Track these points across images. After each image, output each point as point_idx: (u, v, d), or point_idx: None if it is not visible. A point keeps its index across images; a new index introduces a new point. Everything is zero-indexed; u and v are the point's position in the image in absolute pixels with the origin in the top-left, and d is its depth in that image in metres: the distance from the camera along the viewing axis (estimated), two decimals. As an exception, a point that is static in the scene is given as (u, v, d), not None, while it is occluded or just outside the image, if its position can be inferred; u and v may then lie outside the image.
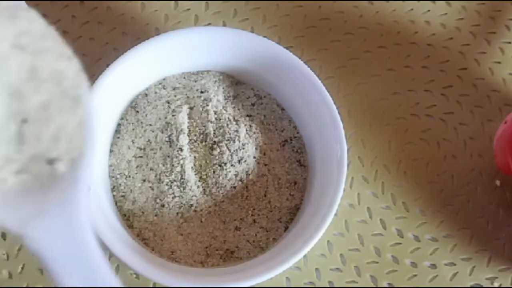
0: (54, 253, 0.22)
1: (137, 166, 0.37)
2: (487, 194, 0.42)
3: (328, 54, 0.44)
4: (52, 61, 0.25)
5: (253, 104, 0.39)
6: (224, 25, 0.44)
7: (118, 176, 0.37)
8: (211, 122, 0.37)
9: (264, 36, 0.39)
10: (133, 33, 0.44)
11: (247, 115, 0.38)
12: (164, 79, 0.39)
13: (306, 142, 0.39)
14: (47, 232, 0.22)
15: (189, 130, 0.37)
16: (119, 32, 0.44)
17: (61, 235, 0.23)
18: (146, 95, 0.39)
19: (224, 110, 0.38)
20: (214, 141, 0.37)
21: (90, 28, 0.44)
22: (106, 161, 0.38)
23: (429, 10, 0.46)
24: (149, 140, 0.37)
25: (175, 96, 0.38)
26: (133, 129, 0.38)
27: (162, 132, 0.37)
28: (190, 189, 0.36)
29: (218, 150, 0.36)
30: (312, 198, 0.37)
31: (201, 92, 0.38)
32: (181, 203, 0.36)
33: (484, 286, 0.40)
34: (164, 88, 0.39)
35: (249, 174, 0.37)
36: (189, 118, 0.37)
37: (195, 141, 0.37)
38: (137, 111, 0.38)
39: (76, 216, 0.23)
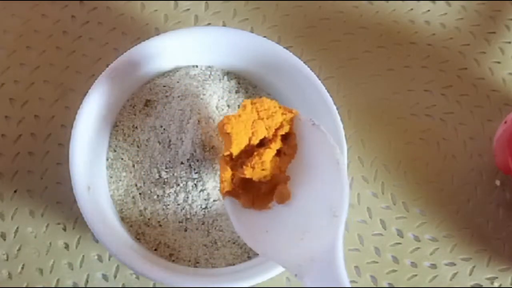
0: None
1: (137, 167, 0.37)
2: (487, 194, 0.42)
3: (328, 54, 0.44)
4: None
5: (253, 104, 0.39)
6: (224, 25, 0.44)
7: (117, 176, 0.37)
8: (211, 121, 0.37)
9: (264, 36, 0.39)
10: (133, 33, 0.44)
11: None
12: (164, 79, 0.39)
13: (306, 142, 0.39)
14: (316, 274, 0.30)
15: (189, 130, 0.37)
16: (119, 32, 0.44)
17: (325, 275, 0.29)
18: (146, 94, 0.39)
19: (224, 109, 0.38)
20: (214, 141, 0.37)
21: (90, 28, 0.44)
22: (104, 162, 0.38)
23: (429, 10, 0.46)
24: (148, 139, 0.37)
25: (174, 96, 0.38)
26: (133, 130, 0.38)
27: (162, 132, 0.37)
28: (190, 189, 0.36)
29: (218, 149, 0.36)
30: (312, 198, 0.37)
31: (201, 91, 0.38)
32: (181, 203, 0.36)
33: (484, 286, 0.40)
34: (164, 88, 0.39)
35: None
36: (189, 117, 0.37)
37: (195, 140, 0.37)
38: (137, 111, 0.38)
39: (336, 261, 0.29)
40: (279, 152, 0.34)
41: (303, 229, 0.31)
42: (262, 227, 0.33)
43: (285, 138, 0.34)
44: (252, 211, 0.33)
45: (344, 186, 0.31)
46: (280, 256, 0.32)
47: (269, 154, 0.33)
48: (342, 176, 0.32)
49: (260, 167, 0.33)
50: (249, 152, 0.34)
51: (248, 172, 0.33)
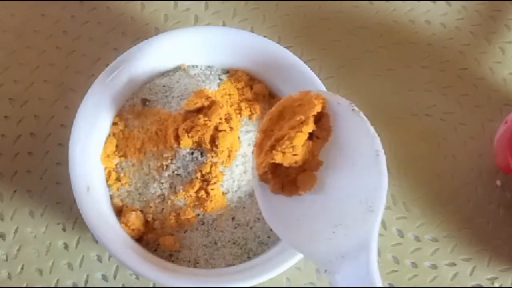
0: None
1: (136, 167, 0.37)
2: (487, 194, 0.42)
3: (328, 54, 0.44)
4: None
5: (253, 104, 0.39)
6: (224, 25, 0.44)
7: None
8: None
9: (264, 36, 0.39)
10: (132, 33, 0.44)
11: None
12: (163, 79, 0.39)
13: (306, 142, 0.39)
14: (347, 273, 0.28)
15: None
16: (118, 32, 0.44)
17: (356, 275, 0.28)
18: (145, 94, 0.39)
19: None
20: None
21: (90, 28, 0.44)
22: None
23: (429, 10, 0.46)
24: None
25: (174, 96, 0.38)
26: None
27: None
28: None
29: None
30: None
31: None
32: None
33: (485, 286, 0.40)
34: (164, 87, 0.39)
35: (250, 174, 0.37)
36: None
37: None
38: (136, 111, 0.38)
39: (369, 260, 0.28)
40: (311, 135, 0.32)
41: (336, 222, 0.30)
42: (291, 214, 0.31)
43: (318, 120, 0.32)
44: (281, 197, 0.32)
45: (382, 179, 0.30)
46: (309, 248, 0.30)
47: (300, 138, 0.31)
48: (381, 168, 0.30)
49: (291, 152, 0.31)
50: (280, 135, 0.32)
51: (278, 158, 0.31)
